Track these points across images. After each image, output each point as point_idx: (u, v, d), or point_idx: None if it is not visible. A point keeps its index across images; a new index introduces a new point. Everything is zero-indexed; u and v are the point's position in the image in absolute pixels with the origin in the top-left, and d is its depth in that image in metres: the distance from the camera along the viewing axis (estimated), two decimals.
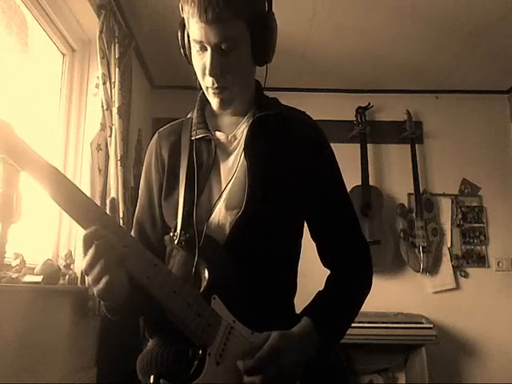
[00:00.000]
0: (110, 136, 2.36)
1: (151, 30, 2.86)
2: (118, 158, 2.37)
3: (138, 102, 3.01)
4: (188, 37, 1.00)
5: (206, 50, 0.96)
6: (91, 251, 0.80)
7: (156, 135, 1.16)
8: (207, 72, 0.97)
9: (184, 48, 1.04)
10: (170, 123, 1.18)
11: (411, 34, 2.97)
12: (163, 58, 3.19)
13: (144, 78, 3.41)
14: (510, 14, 2.72)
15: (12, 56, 1.97)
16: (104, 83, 2.32)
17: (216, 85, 0.99)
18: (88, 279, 0.83)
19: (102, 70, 2.32)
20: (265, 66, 1.05)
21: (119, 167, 2.37)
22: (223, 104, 1.03)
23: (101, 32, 2.31)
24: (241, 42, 0.96)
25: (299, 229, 1.09)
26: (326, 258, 1.11)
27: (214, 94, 1.02)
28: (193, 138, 1.07)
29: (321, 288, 1.05)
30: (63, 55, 2.47)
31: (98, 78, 2.36)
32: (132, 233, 1.13)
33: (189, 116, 1.15)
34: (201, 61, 0.99)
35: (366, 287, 1.08)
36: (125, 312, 0.97)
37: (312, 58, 3.28)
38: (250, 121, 1.06)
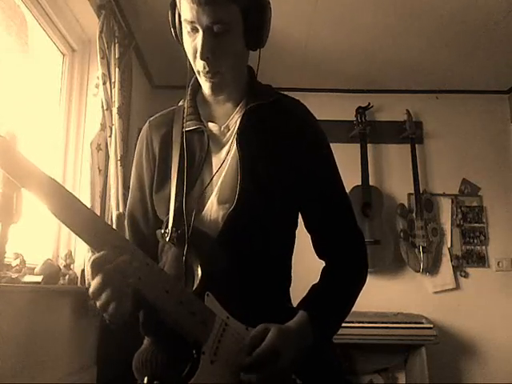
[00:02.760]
0: (110, 136, 2.36)
1: (151, 30, 2.85)
2: (118, 158, 2.37)
3: (138, 101, 3.01)
4: (179, 17, 0.98)
5: (198, 31, 0.94)
6: (98, 278, 0.79)
7: (146, 125, 1.13)
8: (198, 55, 0.95)
9: (175, 28, 1.02)
10: (161, 112, 1.15)
11: (411, 35, 2.97)
12: (163, 57, 3.18)
13: (144, 78, 3.40)
14: (510, 13, 2.72)
15: (12, 56, 1.97)
16: (104, 83, 2.32)
17: (207, 69, 0.97)
18: (96, 303, 0.82)
19: (101, 70, 2.32)
20: (257, 55, 1.02)
21: (119, 167, 2.37)
22: (215, 89, 1.01)
23: (101, 32, 2.30)
24: (233, 25, 0.94)
25: (293, 221, 1.08)
26: (320, 249, 1.09)
27: (206, 78, 0.99)
28: (184, 130, 1.04)
29: (316, 280, 1.04)
30: (63, 55, 2.47)
31: (98, 78, 2.36)
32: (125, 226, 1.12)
33: (180, 104, 1.12)
34: (192, 43, 0.96)
35: (361, 279, 1.06)
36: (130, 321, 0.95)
37: (312, 58, 3.28)
38: (243, 111, 1.03)
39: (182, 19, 0.96)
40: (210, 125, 1.06)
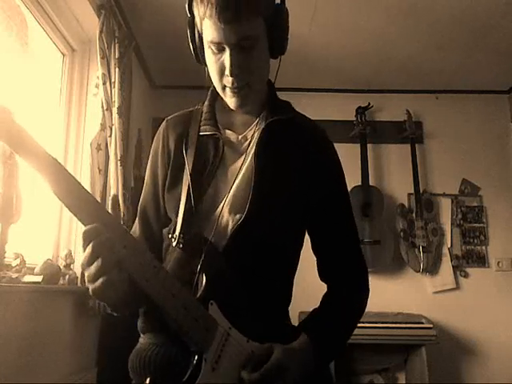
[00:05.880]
0: (110, 136, 2.37)
1: (151, 30, 2.85)
2: (118, 158, 2.37)
3: (138, 101, 3.01)
4: (199, 37, 0.98)
5: (224, 49, 0.94)
6: (89, 248, 0.78)
7: (164, 123, 1.13)
8: (227, 72, 0.95)
9: (194, 44, 1.01)
10: (180, 112, 1.15)
11: (411, 34, 2.97)
12: (163, 57, 3.19)
13: (144, 78, 3.41)
14: (510, 13, 2.72)
15: (12, 56, 1.97)
16: (104, 83, 2.32)
17: (236, 84, 0.97)
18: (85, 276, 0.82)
19: (101, 70, 2.32)
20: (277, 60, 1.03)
21: (119, 167, 2.37)
22: (241, 103, 1.01)
23: (101, 32, 2.31)
24: (259, 38, 0.95)
25: (300, 239, 1.08)
26: (324, 273, 1.10)
27: (234, 93, 0.99)
28: (200, 134, 1.05)
29: (313, 298, 1.07)
30: (63, 55, 2.47)
31: (98, 77, 2.36)
32: (136, 220, 1.12)
33: (198, 107, 1.12)
34: (218, 61, 0.96)
35: (362, 307, 1.08)
36: (125, 307, 0.94)
37: (312, 58, 3.28)
38: (263, 124, 1.04)
39: (206, 41, 0.95)
40: (228, 132, 1.06)
